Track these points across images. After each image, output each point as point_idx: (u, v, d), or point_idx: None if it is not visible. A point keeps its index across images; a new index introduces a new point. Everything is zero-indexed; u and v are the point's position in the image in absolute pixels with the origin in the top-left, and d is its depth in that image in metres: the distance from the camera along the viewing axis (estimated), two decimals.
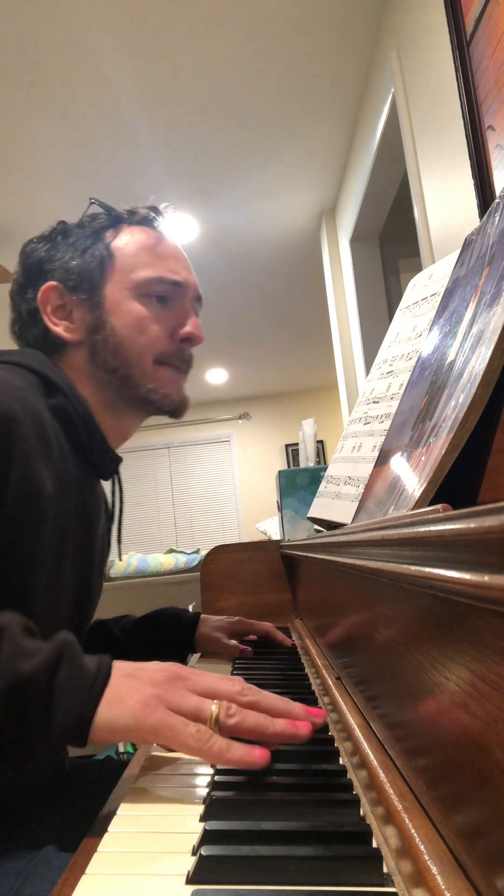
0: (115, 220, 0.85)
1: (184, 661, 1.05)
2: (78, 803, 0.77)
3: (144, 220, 0.86)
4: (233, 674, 0.85)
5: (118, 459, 0.86)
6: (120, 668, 0.50)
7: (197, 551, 3.12)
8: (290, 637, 1.10)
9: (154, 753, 0.56)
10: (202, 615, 1.04)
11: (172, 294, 0.84)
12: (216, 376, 5.92)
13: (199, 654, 1.03)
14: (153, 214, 0.87)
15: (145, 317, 0.81)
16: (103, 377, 0.82)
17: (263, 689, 0.52)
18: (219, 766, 0.50)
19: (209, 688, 0.50)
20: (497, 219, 0.55)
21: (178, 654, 1.01)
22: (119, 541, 0.93)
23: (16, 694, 0.45)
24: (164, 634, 1.00)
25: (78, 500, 0.75)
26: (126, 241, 0.83)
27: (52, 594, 0.70)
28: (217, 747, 0.46)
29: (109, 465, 0.84)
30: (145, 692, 0.47)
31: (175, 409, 0.85)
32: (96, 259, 0.81)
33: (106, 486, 0.90)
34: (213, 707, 0.47)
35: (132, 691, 0.47)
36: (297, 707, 0.52)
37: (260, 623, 1.06)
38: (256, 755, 0.46)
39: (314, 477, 1.68)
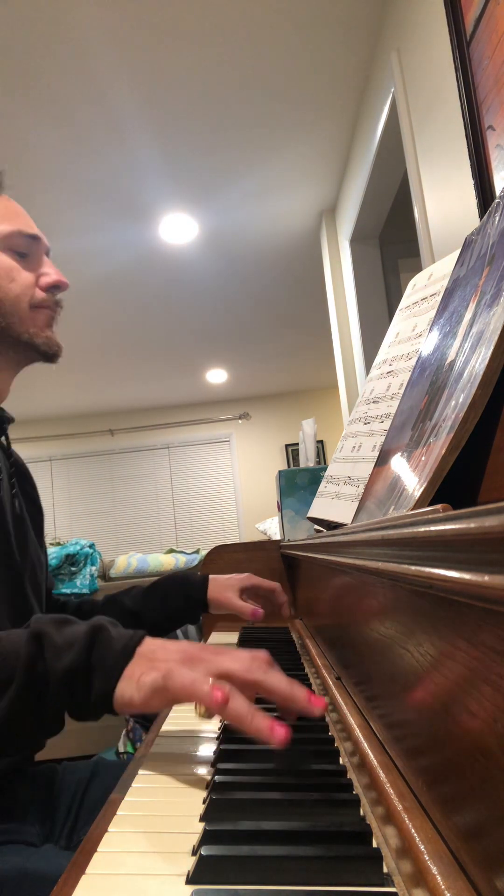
0: None
1: (196, 621, 1.06)
2: (70, 802, 0.78)
3: None
4: None
5: (9, 419, 0.87)
6: (145, 646, 0.54)
7: (197, 551, 3.13)
8: (291, 637, 1.10)
9: (154, 752, 0.56)
10: (210, 576, 1.04)
11: (30, 247, 0.87)
12: (216, 376, 5.92)
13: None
14: None
15: (13, 267, 0.84)
16: None
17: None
18: (219, 766, 0.50)
19: (222, 667, 0.51)
20: (497, 219, 0.55)
21: (191, 616, 1.02)
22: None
23: (64, 684, 0.52)
24: (176, 599, 1.01)
25: None
26: None
27: None
28: (237, 707, 0.47)
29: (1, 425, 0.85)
30: (155, 671, 0.51)
31: (56, 352, 0.88)
32: None
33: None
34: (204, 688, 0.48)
35: (147, 669, 0.52)
36: (300, 693, 0.51)
37: (268, 582, 1.07)
38: (277, 732, 0.46)
39: (314, 477, 1.68)
